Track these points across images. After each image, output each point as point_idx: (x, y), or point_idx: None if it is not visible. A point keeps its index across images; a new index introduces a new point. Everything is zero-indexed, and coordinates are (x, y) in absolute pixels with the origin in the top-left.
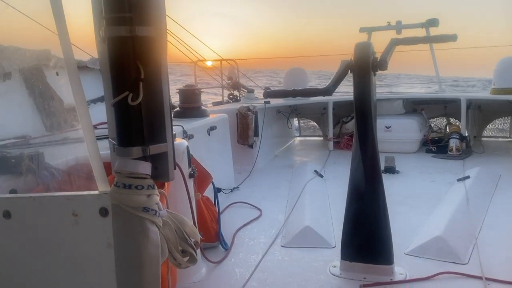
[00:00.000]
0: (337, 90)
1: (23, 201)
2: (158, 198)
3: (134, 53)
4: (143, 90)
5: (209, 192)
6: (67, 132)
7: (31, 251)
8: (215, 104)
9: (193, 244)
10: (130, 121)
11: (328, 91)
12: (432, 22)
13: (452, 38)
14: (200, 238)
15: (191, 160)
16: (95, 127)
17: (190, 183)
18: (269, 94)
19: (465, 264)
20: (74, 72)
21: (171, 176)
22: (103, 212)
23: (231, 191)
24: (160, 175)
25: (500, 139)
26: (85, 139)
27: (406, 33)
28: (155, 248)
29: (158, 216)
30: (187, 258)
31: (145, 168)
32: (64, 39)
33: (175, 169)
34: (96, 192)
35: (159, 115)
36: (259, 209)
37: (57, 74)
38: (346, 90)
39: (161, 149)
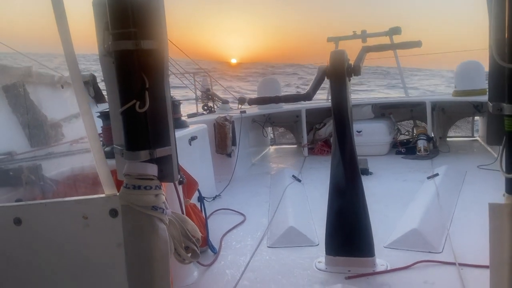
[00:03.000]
0: None
1: (33, 208)
2: (164, 197)
3: (139, 65)
4: (148, 98)
5: (194, 200)
6: (53, 146)
7: (43, 255)
8: (190, 116)
9: (195, 241)
10: (137, 127)
11: (308, 96)
12: (395, 30)
13: (417, 44)
14: (201, 236)
15: (179, 167)
16: (77, 141)
17: (180, 189)
18: (253, 101)
19: (440, 252)
20: (79, 84)
21: (176, 177)
22: (113, 213)
23: (213, 199)
24: (165, 176)
25: (464, 138)
26: (91, 147)
27: (371, 41)
28: (164, 243)
29: (165, 214)
30: (190, 254)
31: (153, 169)
32: (69, 53)
33: (178, 171)
34: (103, 195)
35: (163, 121)
36: (242, 214)
37: (62, 87)
38: (317, 98)
39: (166, 152)
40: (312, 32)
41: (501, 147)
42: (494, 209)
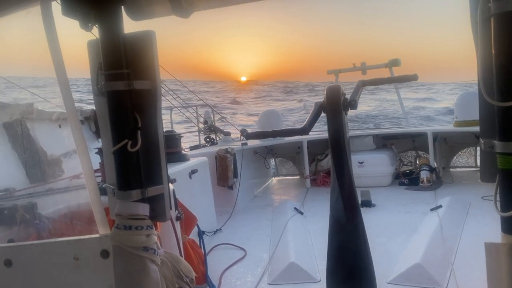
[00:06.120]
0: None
1: (23, 249)
2: (156, 237)
3: (132, 105)
4: (140, 138)
5: (193, 235)
6: (52, 182)
7: None
8: (193, 148)
9: (188, 282)
10: (129, 167)
11: (305, 130)
12: (395, 62)
13: (413, 77)
14: (195, 276)
15: (177, 203)
16: (78, 176)
17: (177, 225)
18: (249, 135)
19: None
20: (76, 123)
21: (168, 216)
22: (105, 254)
23: (214, 233)
24: (157, 215)
25: (467, 168)
26: (87, 185)
27: (370, 73)
28: (155, 285)
29: (157, 254)
30: None
31: (144, 209)
32: (66, 93)
33: (171, 209)
34: (97, 235)
35: (156, 159)
36: (243, 249)
37: (60, 126)
38: (318, 129)
39: (158, 190)
40: (312, 51)
41: (495, 184)
42: (490, 248)
